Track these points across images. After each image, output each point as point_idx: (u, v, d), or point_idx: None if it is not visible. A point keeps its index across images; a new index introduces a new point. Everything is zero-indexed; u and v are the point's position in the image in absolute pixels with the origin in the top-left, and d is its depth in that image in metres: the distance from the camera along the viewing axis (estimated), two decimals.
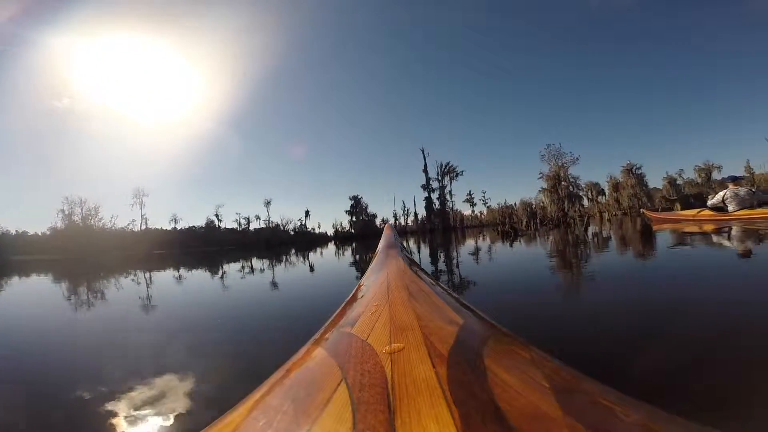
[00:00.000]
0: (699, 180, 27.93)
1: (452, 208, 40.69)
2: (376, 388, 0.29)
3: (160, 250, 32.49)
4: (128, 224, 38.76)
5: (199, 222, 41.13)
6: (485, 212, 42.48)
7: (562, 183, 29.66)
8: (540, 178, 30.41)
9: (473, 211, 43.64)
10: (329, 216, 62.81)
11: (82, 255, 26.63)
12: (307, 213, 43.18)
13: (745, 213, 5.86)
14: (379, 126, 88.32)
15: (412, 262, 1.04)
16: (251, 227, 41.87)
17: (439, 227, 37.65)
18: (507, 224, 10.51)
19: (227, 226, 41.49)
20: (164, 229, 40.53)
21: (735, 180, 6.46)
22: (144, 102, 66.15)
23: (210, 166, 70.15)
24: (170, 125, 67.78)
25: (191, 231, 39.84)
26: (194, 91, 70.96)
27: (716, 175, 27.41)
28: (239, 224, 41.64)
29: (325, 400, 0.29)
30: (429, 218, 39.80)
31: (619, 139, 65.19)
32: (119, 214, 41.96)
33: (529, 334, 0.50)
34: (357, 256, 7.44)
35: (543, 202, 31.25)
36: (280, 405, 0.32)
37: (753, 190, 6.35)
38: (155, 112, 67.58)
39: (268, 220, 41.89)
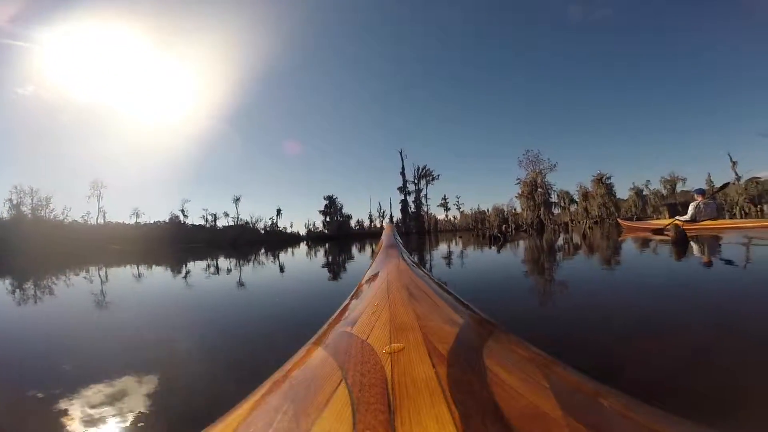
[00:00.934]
0: (664, 191, 28.66)
1: (427, 212, 40.40)
2: (376, 388, 0.29)
3: (118, 245, 30.69)
4: (83, 216, 36.29)
5: (164, 217, 39.08)
6: (458, 217, 42.74)
7: (539, 189, 29.64)
8: (517, 183, 30.32)
9: (447, 216, 43.98)
10: (302, 215, 60.93)
11: (30, 248, 24.56)
12: (278, 212, 41.71)
13: (710, 223, 6.59)
14: (357, 128, 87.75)
15: (412, 262, 1.01)
16: (219, 224, 40.11)
17: (414, 230, 37.27)
18: (496, 228, 9.88)
19: (194, 223, 39.61)
20: (124, 223, 38.23)
21: (702, 193, 7.04)
22: (106, 91, 63.04)
23: (177, 161, 66.99)
24: (135, 116, 64.86)
25: (155, 226, 37.70)
26: (162, 81, 68.21)
27: (680, 187, 28.30)
28: (206, 221, 39.79)
29: (325, 400, 0.29)
30: (404, 221, 39.31)
31: (587, 150, 68.00)
32: (72, 206, 39.17)
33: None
34: (329, 258, 6.81)
35: (515, 209, 31.26)
36: (280, 405, 0.32)
37: (714, 202, 7.05)
38: (118, 101, 64.48)
39: (237, 218, 40.18)
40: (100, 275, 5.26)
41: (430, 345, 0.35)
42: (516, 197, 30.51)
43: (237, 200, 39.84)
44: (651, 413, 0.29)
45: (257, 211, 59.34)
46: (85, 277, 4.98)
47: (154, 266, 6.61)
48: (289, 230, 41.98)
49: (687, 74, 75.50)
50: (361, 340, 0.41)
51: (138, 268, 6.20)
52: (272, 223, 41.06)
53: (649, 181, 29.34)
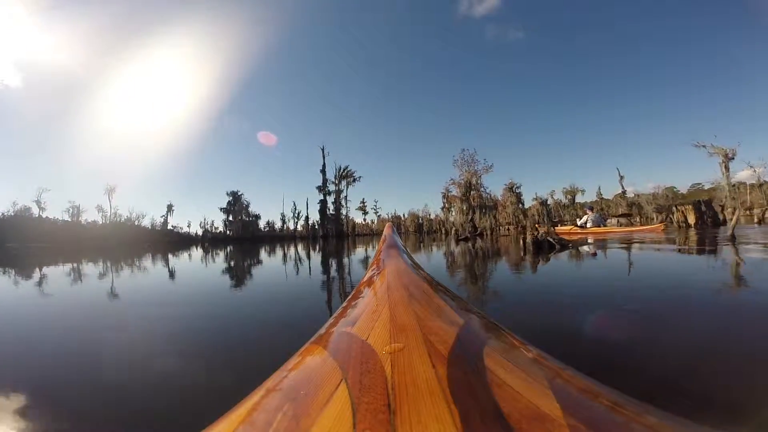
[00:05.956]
0: (565, 201, 29.74)
1: (347, 215, 37.78)
2: (376, 388, 0.29)
3: None
4: None
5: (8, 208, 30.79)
6: (376, 221, 41.26)
7: (472, 192, 27.82)
8: (451, 184, 28.50)
9: (365, 220, 42.67)
10: (203, 215, 52.10)
11: None
12: (169, 208, 35.54)
13: (595, 230, 9.66)
14: (270, 120, 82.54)
15: (412, 262, 1.01)
16: (88, 219, 32.79)
17: (333, 233, 34.33)
18: (542, 230, 5.85)
19: (58, 218, 31.90)
20: None
21: (591, 209, 10.64)
22: None
23: (38, 140, 54.20)
24: None
25: None
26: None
27: (579, 198, 29.76)
28: (71, 215, 32.26)
29: (325, 400, 0.29)
30: (323, 223, 36.11)
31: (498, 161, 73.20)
32: None
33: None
34: (232, 262, 5.26)
35: (429, 215, 29.71)
36: (280, 405, 0.32)
37: (599, 215, 10.56)
38: None
39: (113, 213, 33.20)
40: None
41: (430, 345, 0.35)
42: (444, 199, 28.79)
43: (111, 191, 32.85)
44: (651, 413, 0.29)
45: (141, 207, 49.81)
46: None
47: None
48: (185, 230, 36.09)
49: (594, 92, 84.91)
50: (361, 340, 0.40)
51: None
52: (163, 222, 34.86)
53: (554, 190, 30.59)
